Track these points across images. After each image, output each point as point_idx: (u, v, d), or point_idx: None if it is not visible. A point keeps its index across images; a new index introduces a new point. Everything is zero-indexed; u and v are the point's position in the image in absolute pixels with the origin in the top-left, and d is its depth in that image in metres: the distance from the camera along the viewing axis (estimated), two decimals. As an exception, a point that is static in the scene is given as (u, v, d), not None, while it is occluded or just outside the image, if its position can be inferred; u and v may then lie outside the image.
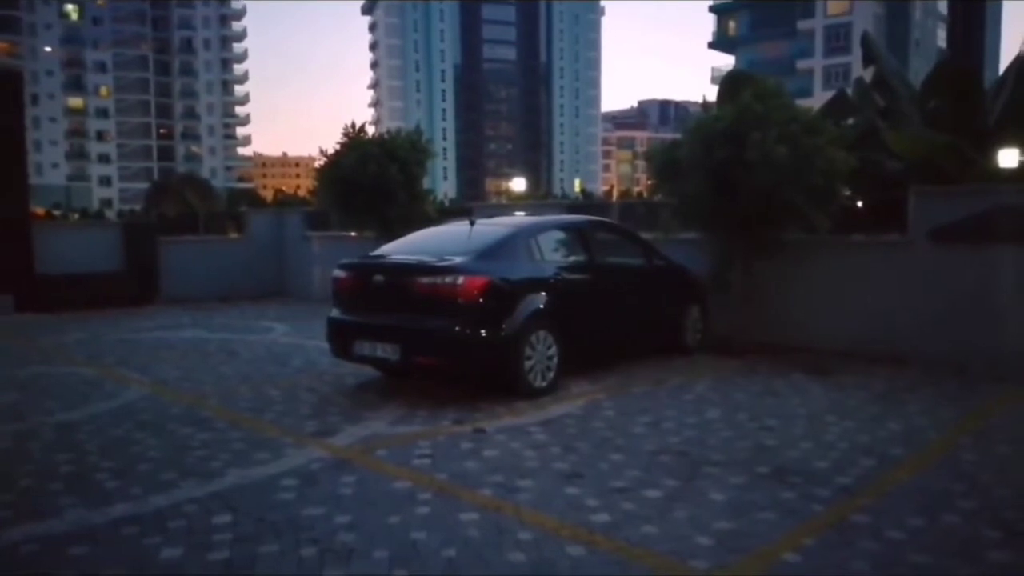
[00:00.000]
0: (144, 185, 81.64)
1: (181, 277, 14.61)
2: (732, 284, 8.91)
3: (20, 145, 13.26)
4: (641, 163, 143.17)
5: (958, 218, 8.05)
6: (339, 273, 7.05)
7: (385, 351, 6.52)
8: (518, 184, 23.57)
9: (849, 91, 12.80)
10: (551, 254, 7.33)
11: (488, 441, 5.48)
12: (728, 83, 10.28)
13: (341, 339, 6.97)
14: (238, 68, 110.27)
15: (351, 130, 12.70)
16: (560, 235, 7.67)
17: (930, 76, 11.13)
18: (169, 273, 14.60)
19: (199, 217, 17.20)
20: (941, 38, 56.15)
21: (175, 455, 5.24)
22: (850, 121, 11.33)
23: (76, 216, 33.68)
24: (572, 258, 7.58)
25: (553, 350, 6.83)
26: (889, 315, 8.38)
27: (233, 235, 17.19)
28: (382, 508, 4.21)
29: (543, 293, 6.88)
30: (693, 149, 8.11)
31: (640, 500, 4.34)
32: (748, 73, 10.82)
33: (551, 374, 6.82)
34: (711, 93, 14.58)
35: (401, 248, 7.44)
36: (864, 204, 10.13)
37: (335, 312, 7.12)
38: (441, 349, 6.34)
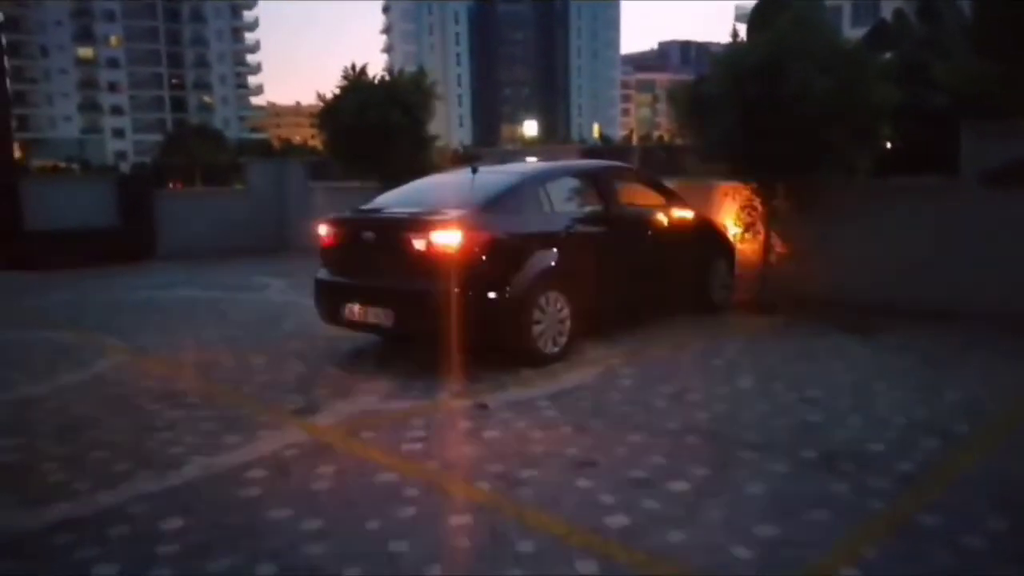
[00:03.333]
0: (158, 137, 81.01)
1: (179, 232, 14.00)
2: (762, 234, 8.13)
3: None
4: (662, 106, 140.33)
5: (1012, 158, 7.19)
6: (326, 229, 6.33)
7: (377, 316, 5.84)
8: (530, 128, 22.49)
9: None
10: (563, 204, 6.58)
11: (490, 419, 4.83)
12: (760, 11, 9.31)
13: (329, 303, 6.29)
14: (248, 15, 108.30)
15: (351, 73, 11.87)
16: (573, 183, 6.91)
17: (983, -1, 10.04)
18: (167, 228, 13.99)
19: (195, 169, 16.49)
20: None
21: (136, 439, 4.63)
22: (887, 56, 10.33)
23: (76, 169, 33.02)
24: (587, 208, 6.83)
25: (565, 312, 6.13)
26: (935, 266, 7.58)
27: (239, 187, 16.52)
28: (360, 510, 3.58)
29: (554, 249, 6.15)
30: (722, 85, 7.25)
31: (664, 496, 3.67)
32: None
33: (563, 339, 6.13)
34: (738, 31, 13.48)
35: (396, 200, 6.71)
36: (906, 144, 9.22)
37: (322, 272, 6.44)
38: (439, 314, 5.63)
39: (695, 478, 3.85)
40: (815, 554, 3.15)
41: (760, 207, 8.08)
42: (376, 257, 5.99)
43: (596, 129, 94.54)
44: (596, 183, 6.96)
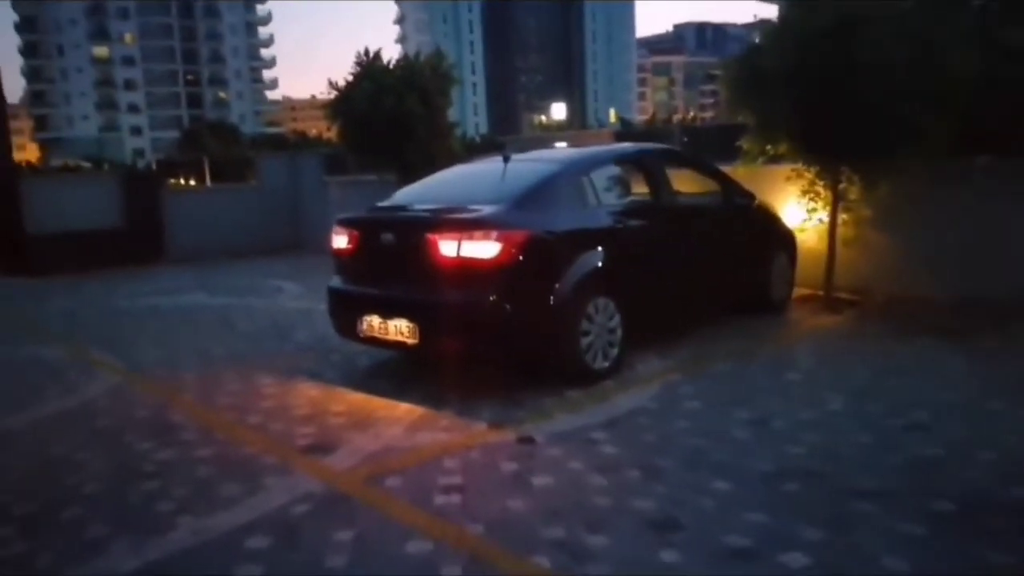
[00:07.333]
0: (175, 134, 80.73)
1: (189, 232, 13.28)
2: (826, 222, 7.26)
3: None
4: (679, 89, 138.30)
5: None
6: (339, 231, 5.52)
7: (400, 332, 5.03)
8: (558, 111, 21.49)
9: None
10: (609, 196, 5.75)
11: (538, 457, 4.03)
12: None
13: (344, 316, 5.49)
14: (261, 8, 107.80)
15: (364, 58, 11.06)
16: (620, 171, 6.06)
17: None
18: (175, 228, 13.28)
19: (204, 165, 15.77)
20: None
21: (118, 491, 3.88)
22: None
23: (88, 166, 32.45)
24: (636, 200, 6.00)
25: (616, 320, 5.31)
26: (1019, 257, 6.68)
27: (251, 183, 15.85)
28: (386, 600, 2.80)
29: (601, 248, 5.32)
30: (782, 55, 6.35)
31: (777, 574, 2.85)
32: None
33: (614, 351, 5.31)
34: (756, 11, 12.35)
35: (418, 195, 5.90)
36: (980, 119, 8.27)
37: (336, 281, 5.64)
38: (472, 328, 4.83)
39: (811, 546, 3.02)
40: (1001, 669, 2.32)
41: (824, 192, 7.19)
42: (397, 263, 5.18)
43: (613, 114, 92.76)
44: (644, 169, 6.11)
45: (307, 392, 5.37)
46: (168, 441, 4.55)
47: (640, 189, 6.13)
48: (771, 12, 7.66)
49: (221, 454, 4.32)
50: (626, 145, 7.76)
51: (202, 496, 3.75)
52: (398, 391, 5.21)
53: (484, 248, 4.74)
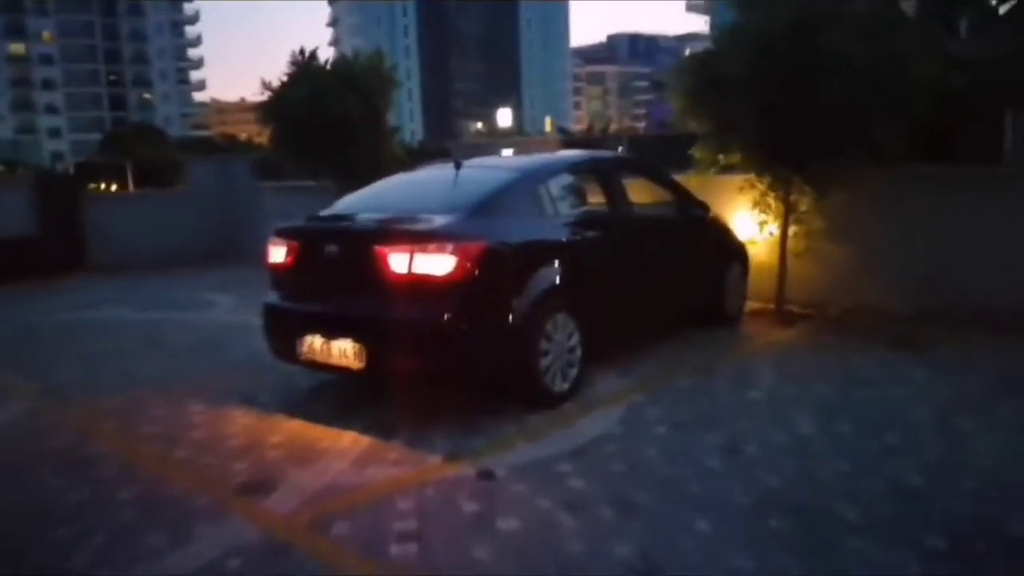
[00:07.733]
0: (97, 136, 77.52)
1: (112, 240, 12.51)
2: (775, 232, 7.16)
3: None
4: (612, 98, 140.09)
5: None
6: (276, 242, 5.08)
7: (344, 354, 4.63)
8: (503, 117, 21.26)
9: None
10: (565, 206, 5.47)
11: (501, 495, 3.70)
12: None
13: (283, 336, 5.04)
14: (188, 7, 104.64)
15: (300, 58, 10.56)
16: (576, 180, 5.78)
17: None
18: (97, 236, 12.49)
19: (129, 169, 14.93)
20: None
21: (24, 540, 3.40)
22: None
23: (0, 170, 30.64)
24: (593, 210, 5.74)
25: (575, 339, 5.02)
26: (983, 266, 6.66)
27: (180, 188, 15.07)
28: (339, 677, 2.43)
29: (559, 262, 5.03)
30: (744, 59, 6.18)
31: (771, 626, 2.60)
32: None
33: (573, 371, 5.03)
34: (686, 24, 12.39)
35: (363, 204, 5.49)
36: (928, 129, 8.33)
37: (273, 297, 5.19)
38: (424, 349, 4.47)
39: (806, 593, 2.78)
40: None
41: (775, 204, 7.08)
42: (342, 278, 4.78)
43: (549, 123, 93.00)
44: (602, 178, 5.86)
45: (241, 419, 4.92)
46: (85, 478, 4.06)
47: (596, 199, 5.88)
48: (700, 25, 7.59)
49: (145, 495, 3.85)
50: (580, 153, 7.50)
51: (121, 548, 3.30)
52: (342, 417, 4.81)
53: (439, 262, 4.40)
